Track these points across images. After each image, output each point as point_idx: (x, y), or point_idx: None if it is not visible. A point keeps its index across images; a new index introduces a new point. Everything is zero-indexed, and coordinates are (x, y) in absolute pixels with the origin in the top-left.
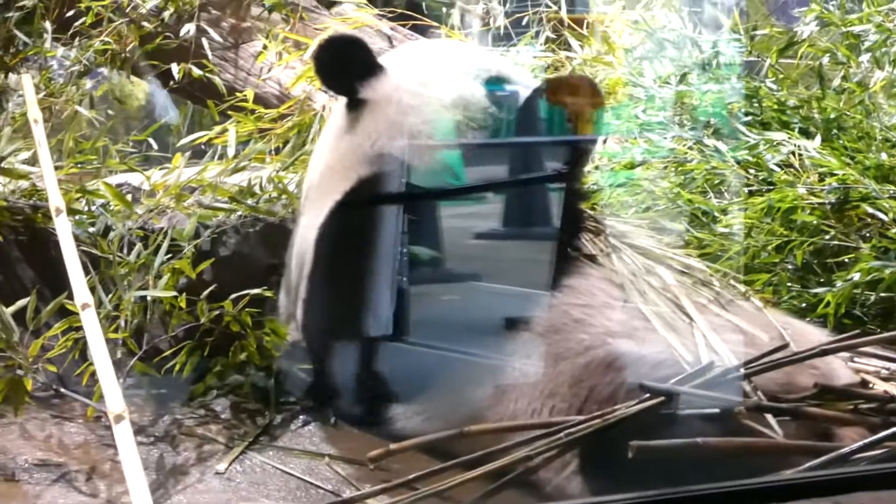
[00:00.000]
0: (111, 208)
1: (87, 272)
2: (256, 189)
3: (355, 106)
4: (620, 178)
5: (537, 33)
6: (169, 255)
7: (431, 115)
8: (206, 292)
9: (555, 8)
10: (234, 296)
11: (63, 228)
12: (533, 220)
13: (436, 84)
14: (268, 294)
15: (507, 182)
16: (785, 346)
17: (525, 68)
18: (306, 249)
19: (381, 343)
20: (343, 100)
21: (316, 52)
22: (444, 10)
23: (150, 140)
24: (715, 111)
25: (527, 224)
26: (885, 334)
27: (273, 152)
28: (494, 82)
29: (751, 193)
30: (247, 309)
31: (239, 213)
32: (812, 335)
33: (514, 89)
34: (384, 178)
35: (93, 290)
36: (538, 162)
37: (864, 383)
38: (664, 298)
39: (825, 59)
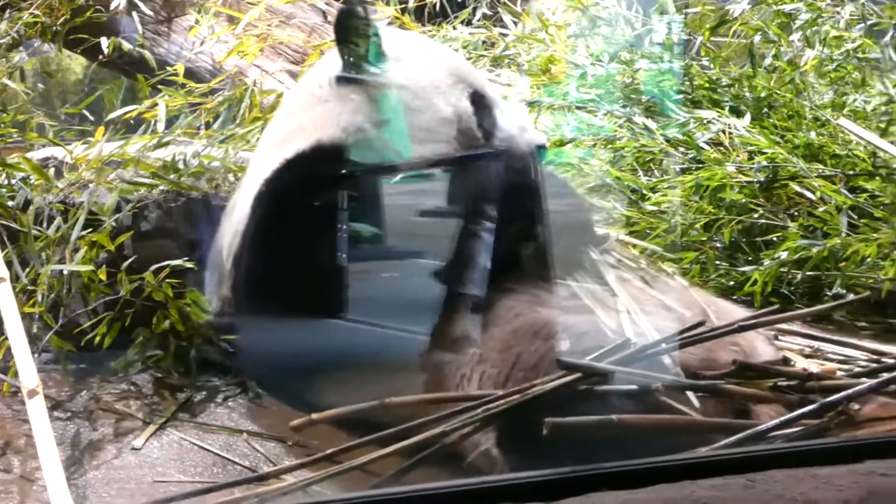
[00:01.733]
0: (31, 182)
1: (3, 246)
2: (181, 164)
3: (348, 81)
4: (551, 155)
5: (474, 10)
6: (89, 230)
7: (426, 121)
8: (125, 264)
9: None
10: (154, 267)
11: None
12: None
13: (434, 94)
14: (189, 265)
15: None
16: (703, 322)
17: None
18: (241, 218)
19: (311, 319)
20: (322, 70)
21: (338, 19)
22: None
23: (86, 113)
24: (647, 89)
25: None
26: (801, 311)
27: (203, 127)
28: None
29: (681, 171)
30: (168, 280)
31: (162, 187)
32: (734, 313)
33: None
34: (343, 149)
35: (9, 264)
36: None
37: (786, 361)
38: (591, 273)
39: (757, 38)
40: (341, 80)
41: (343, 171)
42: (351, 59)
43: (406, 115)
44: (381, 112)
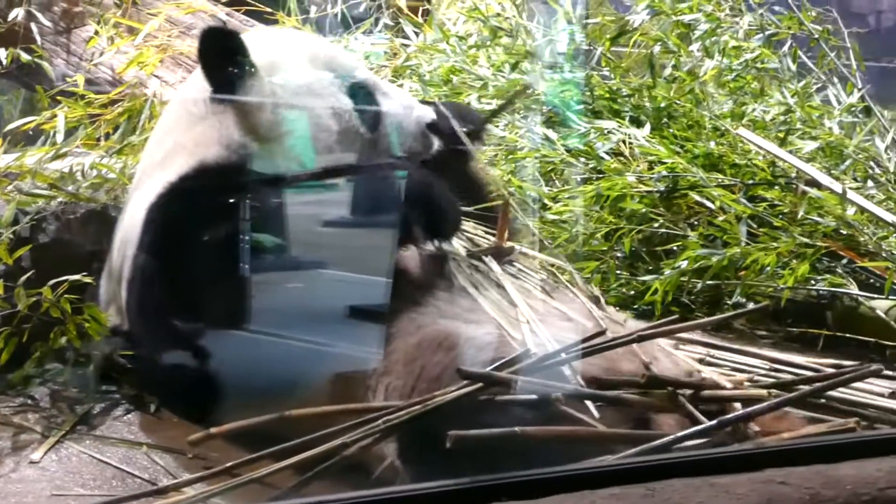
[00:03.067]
0: None
1: None
2: (79, 175)
3: (221, 96)
4: None
5: (376, 20)
6: None
7: (297, 123)
8: (23, 278)
9: None
10: (52, 282)
11: None
12: (378, 208)
13: (308, 95)
14: (87, 280)
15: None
16: (603, 332)
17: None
18: (133, 231)
19: (212, 330)
20: (197, 87)
21: (202, 42)
22: None
23: None
24: (547, 99)
25: (372, 212)
26: (701, 320)
27: (103, 138)
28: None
29: (582, 181)
30: (66, 295)
31: (60, 199)
32: (632, 323)
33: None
34: (234, 160)
35: None
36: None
37: (686, 370)
38: (492, 284)
39: (656, 48)
40: (215, 99)
41: (232, 188)
42: (220, 77)
43: (287, 126)
44: (260, 126)
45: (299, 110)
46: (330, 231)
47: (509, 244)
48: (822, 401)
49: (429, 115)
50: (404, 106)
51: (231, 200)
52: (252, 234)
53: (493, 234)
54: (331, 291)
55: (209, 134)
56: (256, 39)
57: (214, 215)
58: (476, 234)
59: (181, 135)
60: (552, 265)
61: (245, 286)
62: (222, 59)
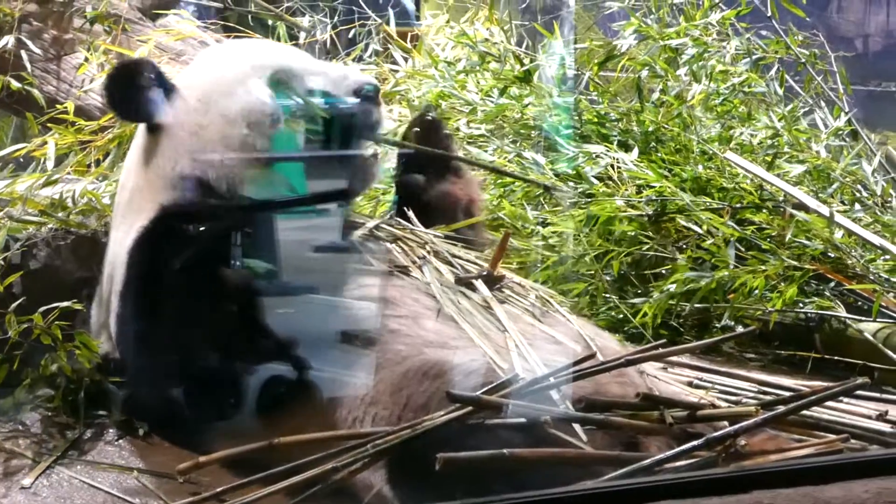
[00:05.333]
0: None
1: None
2: (69, 202)
3: (153, 130)
4: None
5: (366, 46)
6: None
7: (219, 128)
8: (14, 304)
9: (381, 21)
10: (43, 308)
11: None
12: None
13: (222, 98)
14: (78, 307)
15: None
16: (592, 355)
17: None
18: (117, 266)
19: (197, 358)
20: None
21: (105, 83)
22: (271, 22)
23: None
24: (536, 124)
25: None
26: (690, 344)
27: (94, 164)
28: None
29: (571, 205)
30: (57, 322)
31: (50, 225)
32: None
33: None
34: (189, 201)
35: None
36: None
37: (675, 393)
38: (479, 308)
39: (644, 73)
40: (150, 134)
41: (193, 228)
42: (130, 111)
43: (218, 143)
44: (194, 151)
45: (231, 135)
46: (321, 256)
47: (500, 272)
48: (811, 419)
49: (367, 79)
50: (340, 76)
51: (197, 237)
52: (228, 264)
53: (482, 259)
54: (322, 316)
55: (158, 173)
56: (199, 60)
57: (186, 253)
58: (466, 261)
59: (138, 174)
60: (540, 286)
61: (224, 316)
62: (134, 94)
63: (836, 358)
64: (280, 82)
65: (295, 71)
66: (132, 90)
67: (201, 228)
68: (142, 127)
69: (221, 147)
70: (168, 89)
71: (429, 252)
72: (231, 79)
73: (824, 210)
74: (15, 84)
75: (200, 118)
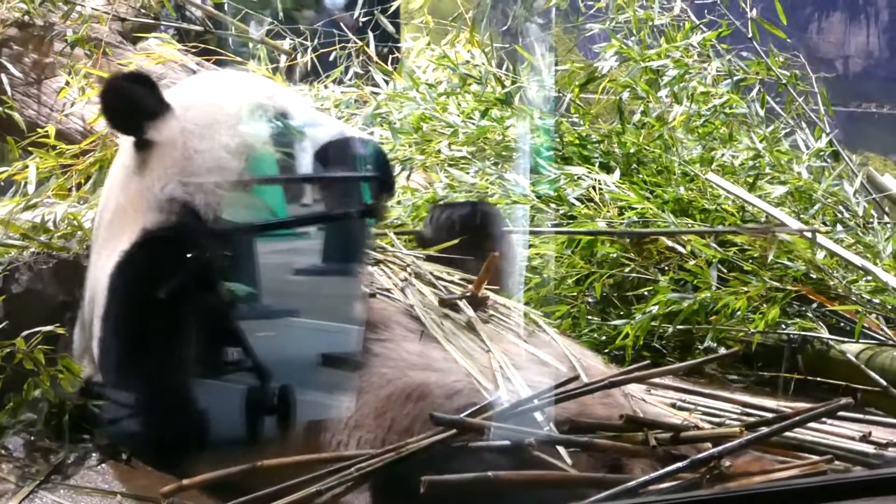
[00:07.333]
0: None
1: None
2: (50, 225)
3: (142, 147)
4: (423, 212)
5: (346, 69)
6: None
7: (217, 157)
8: None
9: (362, 44)
10: (25, 333)
11: None
12: (343, 256)
13: (225, 128)
14: (61, 331)
15: (304, 219)
16: (576, 377)
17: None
18: (98, 289)
19: (179, 381)
20: (129, 138)
21: (102, 92)
22: (251, 45)
23: None
24: (518, 146)
25: (340, 260)
26: (673, 366)
27: (75, 188)
28: (281, 119)
29: (553, 227)
30: (40, 346)
31: (32, 249)
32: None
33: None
34: (173, 225)
35: None
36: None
37: (659, 415)
38: (463, 329)
39: (625, 95)
40: (138, 151)
41: (177, 252)
42: (127, 126)
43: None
44: (182, 173)
45: (226, 161)
46: (302, 279)
47: (484, 293)
48: (794, 441)
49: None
50: (323, 126)
51: (180, 263)
52: (211, 290)
53: (467, 281)
54: (303, 339)
55: (143, 193)
56: (195, 83)
57: (169, 279)
58: (450, 282)
59: (122, 192)
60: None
61: (208, 341)
62: (126, 108)
63: (818, 379)
64: (281, 128)
65: (296, 121)
66: (128, 102)
67: (186, 255)
68: (128, 143)
69: (216, 175)
70: (164, 106)
71: (410, 274)
72: (237, 111)
73: (807, 231)
74: None
75: (197, 142)
